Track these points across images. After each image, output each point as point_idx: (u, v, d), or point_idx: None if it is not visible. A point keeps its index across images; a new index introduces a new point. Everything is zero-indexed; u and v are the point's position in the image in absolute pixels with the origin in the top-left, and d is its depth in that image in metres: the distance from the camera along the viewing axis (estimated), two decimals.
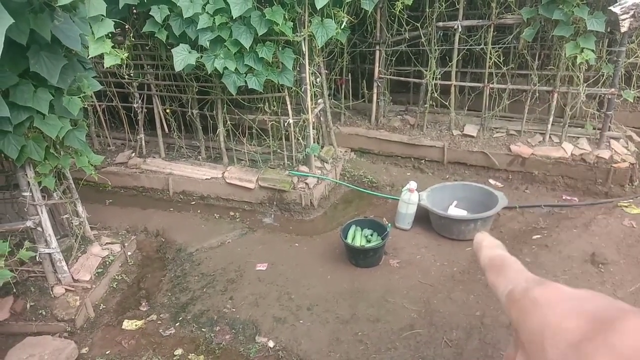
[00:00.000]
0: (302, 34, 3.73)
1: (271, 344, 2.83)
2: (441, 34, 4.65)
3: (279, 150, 4.44)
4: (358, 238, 3.53)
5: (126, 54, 3.72)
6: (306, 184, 4.24)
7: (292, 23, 3.62)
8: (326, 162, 4.57)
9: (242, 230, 4.10)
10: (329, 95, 4.89)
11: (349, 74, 5.30)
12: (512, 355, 0.36)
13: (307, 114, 4.12)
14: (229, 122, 4.38)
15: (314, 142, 4.29)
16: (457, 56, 4.56)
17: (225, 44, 3.63)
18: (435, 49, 4.55)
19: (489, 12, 4.35)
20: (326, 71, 4.80)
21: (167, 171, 4.63)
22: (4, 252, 2.57)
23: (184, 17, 3.52)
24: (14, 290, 3.07)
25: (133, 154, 4.86)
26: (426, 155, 4.78)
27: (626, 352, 0.25)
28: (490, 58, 4.37)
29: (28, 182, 2.88)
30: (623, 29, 3.60)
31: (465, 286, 3.12)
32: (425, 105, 4.79)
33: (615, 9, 3.53)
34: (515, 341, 0.36)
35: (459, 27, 4.38)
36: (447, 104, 4.71)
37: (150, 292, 3.47)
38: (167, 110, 4.59)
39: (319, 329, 2.89)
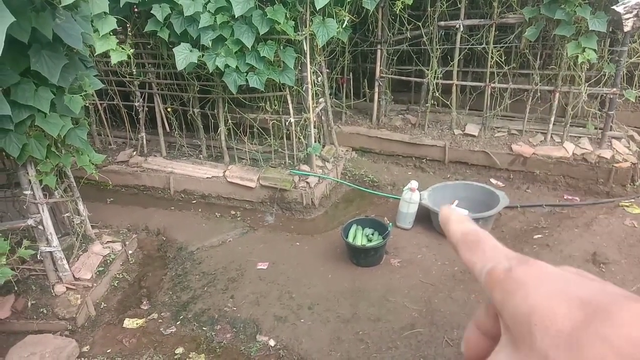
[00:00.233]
0: (303, 33, 3.73)
1: (272, 342, 2.83)
2: (443, 33, 4.64)
3: (280, 149, 4.44)
4: (359, 237, 3.53)
5: (132, 50, 3.72)
6: (307, 183, 4.24)
7: (293, 22, 3.62)
8: (327, 161, 4.57)
9: (243, 229, 4.10)
10: (330, 94, 4.89)
11: (351, 73, 5.29)
12: (483, 323, 0.34)
13: (308, 113, 4.11)
14: (230, 121, 4.38)
15: (315, 141, 4.29)
16: (459, 55, 4.55)
17: (226, 42, 3.63)
18: (437, 48, 4.55)
19: (490, 11, 4.34)
20: (327, 70, 4.79)
21: (168, 170, 4.63)
22: (5, 251, 2.57)
23: (185, 15, 3.52)
24: (15, 288, 3.08)
25: (134, 153, 4.87)
26: (427, 154, 4.77)
27: (621, 343, 0.23)
28: (492, 57, 4.37)
29: (29, 180, 2.88)
30: (626, 29, 3.59)
31: (466, 285, 3.11)
32: (427, 105, 4.78)
33: (619, 8, 3.52)
34: (487, 310, 0.34)
35: (461, 26, 4.37)
36: (448, 103, 4.70)
37: (151, 290, 3.47)
38: (169, 109, 4.59)
39: (320, 328, 2.89)
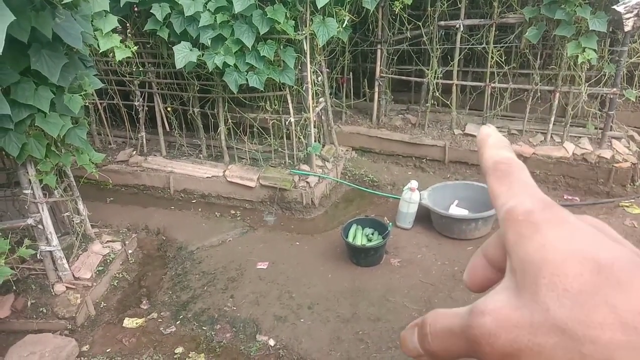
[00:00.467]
0: (303, 32, 3.73)
1: (272, 342, 2.83)
2: (443, 33, 4.64)
3: (280, 149, 4.44)
4: (359, 237, 3.53)
5: (136, 47, 3.72)
6: (307, 182, 4.24)
7: (293, 22, 3.62)
8: (327, 161, 4.57)
9: (243, 228, 4.10)
10: (330, 94, 4.89)
11: (351, 72, 5.29)
12: (492, 254, 0.33)
13: (308, 113, 4.11)
14: (230, 121, 4.37)
15: (315, 141, 4.29)
16: (459, 55, 4.55)
17: (226, 42, 3.63)
18: (437, 48, 4.54)
19: (490, 11, 4.33)
20: (327, 70, 4.79)
21: (168, 169, 4.63)
22: (4, 250, 2.57)
23: (185, 15, 3.52)
24: (15, 288, 3.08)
25: (134, 152, 4.86)
26: (427, 154, 4.77)
27: (627, 312, 0.23)
28: (492, 57, 4.36)
29: (29, 179, 2.88)
30: (627, 28, 3.59)
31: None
32: (427, 104, 4.78)
33: (619, 8, 3.52)
34: (498, 240, 0.32)
35: (461, 26, 4.37)
36: (448, 103, 4.70)
37: (151, 290, 3.47)
38: (168, 109, 4.59)
39: (320, 328, 2.89)
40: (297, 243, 3.83)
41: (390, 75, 5.00)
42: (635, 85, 4.36)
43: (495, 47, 4.34)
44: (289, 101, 4.09)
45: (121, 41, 3.54)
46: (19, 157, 2.70)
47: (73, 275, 3.24)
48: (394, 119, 5.14)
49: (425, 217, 3.84)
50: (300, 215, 4.25)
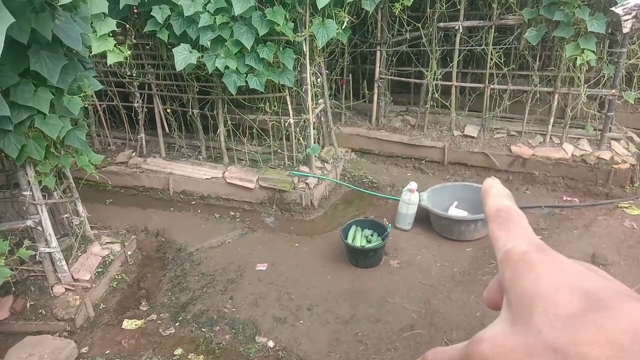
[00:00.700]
0: (303, 34, 3.73)
1: (271, 344, 2.83)
2: (442, 35, 4.65)
3: (279, 150, 4.44)
4: (358, 238, 3.53)
5: (129, 52, 3.72)
6: (306, 184, 4.24)
7: (293, 23, 3.62)
8: (327, 163, 4.57)
9: (243, 230, 4.10)
10: (329, 95, 4.89)
11: (350, 74, 5.29)
12: (502, 284, 0.36)
13: (307, 114, 4.12)
14: (229, 122, 4.37)
15: (314, 143, 4.29)
16: (458, 57, 4.56)
17: (226, 44, 3.64)
18: (436, 50, 4.55)
19: (490, 12, 4.34)
20: (327, 71, 4.80)
21: (168, 171, 4.63)
22: (3, 251, 2.57)
23: (185, 16, 3.53)
24: (14, 289, 3.07)
25: (133, 154, 4.86)
26: (427, 155, 4.77)
27: (615, 333, 0.25)
28: (491, 59, 4.37)
29: (28, 181, 2.88)
30: (625, 30, 3.60)
31: (465, 287, 3.11)
32: (426, 106, 4.79)
33: (618, 10, 3.53)
34: (501, 284, 0.36)
35: (460, 27, 4.38)
36: (447, 104, 4.70)
37: (150, 291, 3.47)
38: (168, 110, 4.59)
39: (319, 329, 2.89)
40: (297, 244, 3.83)
41: (389, 77, 5.01)
42: (634, 86, 4.36)
43: (494, 48, 4.35)
44: (289, 103, 4.09)
45: (117, 44, 3.54)
46: (18, 158, 2.70)
47: (72, 277, 3.23)
48: (394, 120, 5.14)
49: (424, 218, 3.84)
50: (299, 217, 4.26)
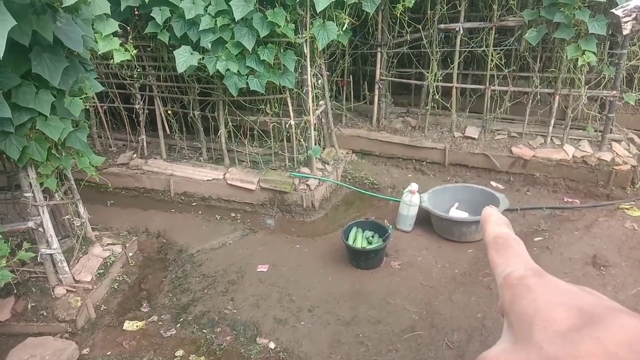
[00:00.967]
0: (303, 36, 3.74)
1: (272, 345, 2.83)
2: (442, 36, 4.65)
3: (280, 152, 4.44)
4: (359, 240, 3.53)
5: (135, 51, 3.73)
6: (307, 185, 4.24)
7: (293, 25, 3.63)
8: (327, 164, 4.57)
9: (243, 231, 4.10)
10: (330, 96, 4.90)
11: (351, 75, 5.30)
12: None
13: (308, 116, 4.12)
14: (230, 124, 4.38)
15: (315, 144, 4.30)
16: (459, 58, 4.56)
17: (226, 45, 3.64)
18: (437, 51, 4.55)
19: (490, 14, 4.35)
20: (328, 73, 4.80)
21: (169, 172, 4.64)
22: (5, 253, 2.57)
23: (186, 18, 3.53)
24: (15, 290, 3.08)
25: (134, 155, 4.87)
26: (427, 157, 4.78)
27: (610, 345, 0.26)
28: (492, 60, 4.37)
29: (30, 182, 2.88)
30: (625, 32, 3.60)
31: (466, 288, 3.11)
32: (427, 107, 4.79)
33: (618, 11, 3.53)
34: (501, 308, 0.38)
35: (461, 29, 4.38)
36: (448, 106, 4.71)
37: (151, 293, 3.47)
38: (169, 112, 4.60)
39: (320, 331, 2.89)
40: (298, 246, 3.83)
41: (390, 78, 5.01)
42: (635, 88, 4.36)
43: (495, 50, 4.36)
44: (289, 104, 4.10)
45: (121, 44, 3.55)
46: (19, 160, 2.71)
47: (73, 278, 3.24)
48: (394, 121, 5.15)
49: (425, 219, 3.84)
50: (300, 218, 4.26)
